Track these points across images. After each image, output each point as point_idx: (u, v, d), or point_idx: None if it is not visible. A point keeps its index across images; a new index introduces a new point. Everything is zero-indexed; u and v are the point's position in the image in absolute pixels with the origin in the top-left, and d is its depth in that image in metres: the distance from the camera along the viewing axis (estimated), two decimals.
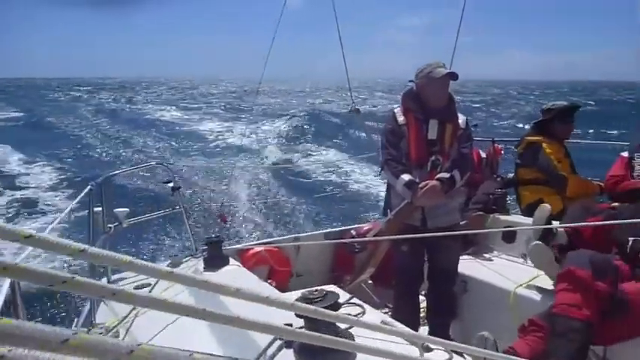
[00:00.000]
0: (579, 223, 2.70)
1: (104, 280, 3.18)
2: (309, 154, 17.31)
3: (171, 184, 3.75)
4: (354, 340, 1.73)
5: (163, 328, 2.14)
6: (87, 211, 3.04)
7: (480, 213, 3.94)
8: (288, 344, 1.81)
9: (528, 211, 3.78)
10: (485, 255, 3.73)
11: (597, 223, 2.65)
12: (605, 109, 27.86)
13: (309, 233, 4.67)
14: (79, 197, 3.09)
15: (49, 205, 10.86)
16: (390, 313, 3.28)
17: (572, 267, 2.30)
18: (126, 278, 3.17)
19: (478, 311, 3.30)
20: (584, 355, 2.21)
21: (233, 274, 3.10)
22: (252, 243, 4.12)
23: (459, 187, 3.18)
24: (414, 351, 1.83)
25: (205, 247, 3.34)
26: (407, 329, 1.96)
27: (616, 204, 3.22)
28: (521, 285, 3.00)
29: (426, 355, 1.85)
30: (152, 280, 2.77)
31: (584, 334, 2.17)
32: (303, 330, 1.44)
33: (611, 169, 3.68)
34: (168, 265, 3.40)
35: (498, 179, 4.41)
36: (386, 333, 1.29)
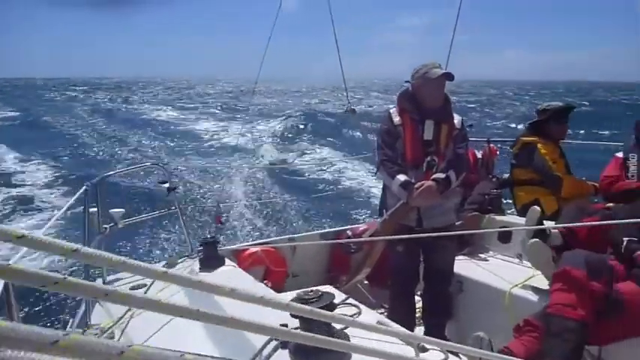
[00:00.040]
0: (573, 224, 2.71)
1: (99, 281, 3.17)
2: (305, 154, 17.31)
3: (166, 185, 3.74)
4: (349, 340, 1.73)
5: (159, 329, 2.13)
6: (82, 211, 3.03)
7: (476, 213, 3.95)
8: (283, 345, 1.81)
9: (524, 212, 3.78)
10: (480, 255, 3.74)
11: (591, 223, 2.66)
12: (600, 110, 27.99)
13: (305, 234, 4.67)
14: (74, 197, 3.08)
15: (44, 202, 10.92)
16: (385, 314, 3.28)
17: (567, 267, 2.31)
18: (122, 279, 3.15)
19: (474, 311, 3.30)
20: (579, 355, 2.22)
21: (229, 274, 3.10)
22: (248, 243, 4.11)
23: (455, 188, 3.19)
24: (410, 351, 1.83)
25: (201, 248, 3.34)
26: (402, 329, 1.96)
27: (611, 204, 3.24)
28: (516, 285, 3.00)
29: (422, 355, 1.85)
30: (148, 281, 2.76)
31: (579, 334, 2.18)
32: (298, 331, 1.44)
33: (605, 169, 3.70)
34: (164, 266, 3.39)
35: (494, 180, 4.42)
36: (381, 333, 1.30)
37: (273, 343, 1.81)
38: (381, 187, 3.47)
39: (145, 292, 2.69)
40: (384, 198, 3.34)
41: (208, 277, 3.01)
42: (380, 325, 2.00)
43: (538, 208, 3.00)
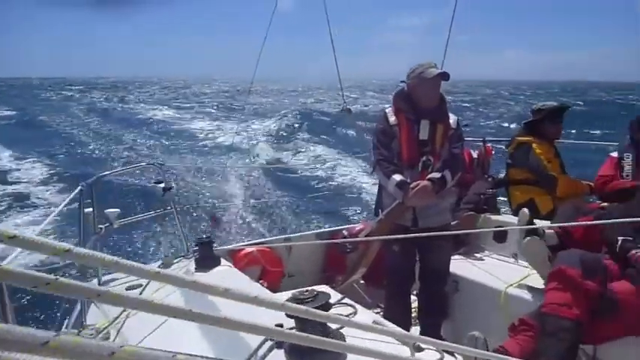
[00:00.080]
0: (567, 223, 2.72)
1: (95, 281, 3.16)
2: (301, 152, 17.31)
3: (162, 185, 3.73)
4: (344, 340, 1.73)
5: (155, 329, 2.12)
6: (78, 211, 3.02)
7: (471, 213, 3.95)
8: (279, 345, 1.81)
9: (519, 211, 3.80)
10: (476, 255, 3.75)
11: (585, 223, 2.67)
12: (593, 110, 28.12)
13: (301, 233, 4.67)
14: (70, 197, 3.06)
15: (40, 198, 11.03)
16: (381, 313, 3.28)
17: (562, 266, 2.32)
18: (118, 279, 3.15)
19: (469, 311, 3.31)
20: (574, 354, 2.22)
21: (224, 274, 3.10)
22: (243, 243, 4.11)
23: (450, 188, 3.19)
24: (405, 351, 1.84)
25: (197, 248, 3.33)
26: (398, 329, 1.96)
27: (605, 204, 3.25)
28: (512, 285, 3.01)
29: (417, 354, 1.85)
30: (144, 281, 2.75)
31: (574, 333, 2.18)
32: (292, 331, 1.44)
33: (600, 169, 3.72)
34: (159, 266, 3.38)
35: (489, 179, 4.43)
36: (377, 333, 1.30)
37: (269, 343, 1.80)
38: (377, 186, 3.47)
39: (141, 292, 2.69)
40: (379, 198, 3.34)
41: (204, 277, 3.01)
42: (375, 324, 2.00)
43: (527, 210, 3.02)
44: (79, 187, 3.07)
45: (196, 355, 0.54)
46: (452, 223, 3.43)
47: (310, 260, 4.12)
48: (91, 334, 2.47)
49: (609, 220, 2.50)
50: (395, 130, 3.12)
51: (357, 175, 12.71)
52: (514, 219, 3.80)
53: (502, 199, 4.52)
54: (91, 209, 3.13)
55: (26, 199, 10.95)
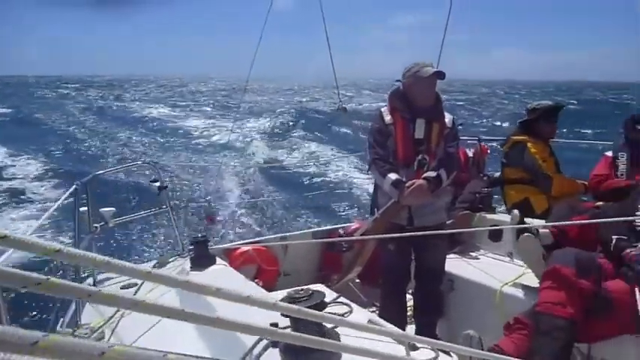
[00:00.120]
0: (561, 222, 2.73)
1: (90, 280, 3.15)
2: (296, 150, 17.32)
3: (157, 184, 3.73)
4: (339, 339, 1.73)
5: (149, 329, 2.12)
6: (73, 210, 3.01)
7: (467, 212, 3.96)
8: (274, 344, 1.81)
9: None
10: (471, 254, 3.75)
11: (579, 222, 2.68)
12: (586, 109, 28.28)
13: (297, 232, 4.67)
14: (64, 196, 3.06)
15: (35, 193, 11.14)
16: (377, 312, 3.29)
17: (557, 265, 2.33)
18: (113, 278, 3.14)
19: (465, 310, 3.32)
20: (569, 352, 2.23)
21: (219, 273, 3.09)
22: (239, 242, 4.11)
23: (446, 187, 3.19)
24: (401, 350, 1.84)
25: (192, 247, 3.33)
26: (393, 328, 1.96)
27: (600, 203, 3.26)
28: (507, 283, 3.02)
29: (412, 353, 1.86)
30: (139, 280, 2.74)
31: (568, 332, 2.19)
32: (287, 331, 1.44)
33: (595, 168, 3.73)
34: (155, 265, 3.39)
35: (485, 178, 4.43)
36: (371, 332, 1.30)
37: (264, 342, 1.80)
38: (372, 184, 3.48)
39: (136, 292, 2.68)
40: (375, 196, 3.34)
41: (199, 277, 3.01)
42: (371, 323, 2.01)
43: (518, 212, 3.03)
44: (74, 186, 3.06)
45: (188, 355, 0.54)
46: (447, 222, 3.43)
47: (306, 259, 4.12)
48: (86, 334, 2.47)
49: (604, 219, 2.51)
50: (390, 128, 3.12)
51: (352, 173, 12.73)
52: (509, 218, 3.82)
53: (497, 197, 4.53)
54: (86, 208, 3.12)
55: (21, 194, 11.04)
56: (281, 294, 1.99)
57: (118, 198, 8.90)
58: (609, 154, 3.68)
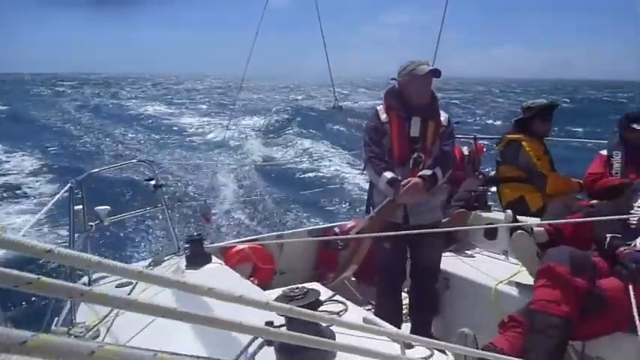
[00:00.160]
0: (555, 221, 2.74)
1: (85, 279, 3.14)
2: (292, 148, 17.32)
3: (153, 182, 3.72)
4: (334, 337, 1.74)
5: (145, 327, 2.11)
6: (68, 208, 3.00)
7: (462, 210, 3.97)
8: (269, 342, 1.81)
9: (509, 209, 3.82)
10: (467, 252, 3.76)
11: (573, 220, 2.69)
12: (580, 107, 28.45)
13: (293, 231, 4.68)
14: (59, 195, 3.04)
15: (31, 188, 11.29)
16: (372, 310, 3.29)
17: (551, 263, 2.33)
18: (109, 276, 3.13)
19: (460, 308, 3.33)
20: (563, 350, 2.24)
21: (215, 272, 3.09)
22: (235, 241, 4.11)
23: (442, 185, 3.20)
24: (396, 348, 1.84)
25: (187, 245, 3.33)
26: (389, 327, 1.96)
27: (594, 201, 3.27)
28: (502, 281, 3.03)
29: (408, 351, 1.86)
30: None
31: (563, 329, 2.20)
32: (282, 330, 1.44)
33: (590, 166, 3.74)
34: (150, 263, 3.38)
35: (480, 177, 4.44)
36: (366, 332, 1.30)
37: (259, 341, 1.80)
38: (368, 183, 3.48)
39: (131, 290, 2.68)
40: (370, 195, 3.34)
41: (194, 275, 3.01)
42: (366, 322, 2.01)
43: (511, 212, 3.04)
44: (69, 184, 3.05)
45: (179, 354, 0.54)
46: (443, 221, 3.43)
47: (302, 257, 4.12)
48: (81, 332, 2.46)
49: (598, 218, 2.52)
50: (386, 127, 3.12)
51: (346, 169, 12.77)
52: (504, 217, 3.83)
53: (492, 194, 4.55)
54: (81, 206, 3.11)
55: (17, 189, 11.16)
56: (276, 292, 1.99)
57: (114, 196, 8.89)
58: (604, 152, 3.69)
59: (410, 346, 1.89)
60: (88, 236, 3.19)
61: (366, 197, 3.80)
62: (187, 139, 19.95)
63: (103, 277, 3.16)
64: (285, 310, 0.84)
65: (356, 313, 2.35)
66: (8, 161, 14.08)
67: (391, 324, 2.18)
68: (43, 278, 0.48)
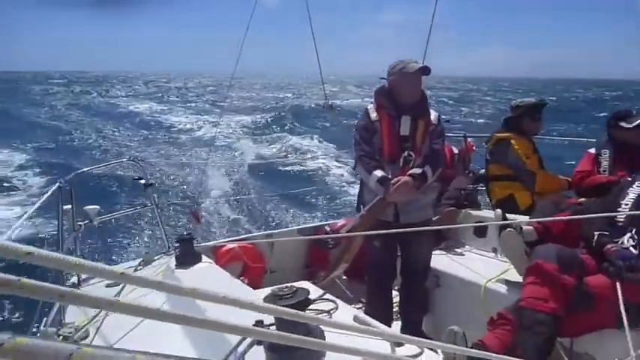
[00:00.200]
0: (544, 219, 2.75)
1: (74, 279, 3.12)
2: (282, 146, 17.32)
3: (143, 181, 3.70)
4: (324, 336, 1.74)
5: (134, 327, 2.10)
6: (56, 208, 2.98)
7: (452, 208, 3.98)
8: (259, 341, 1.80)
9: (499, 207, 3.84)
10: (457, 250, 3.78)
11: (561, 218, 2.71)
12: (562, 105, 28.79)
13: (283, 229, 4.67)
14: (47, 195, 3.02)
15: (20, 181, 11.51)
16: (363, 309, 3.30)
17: (539, 261, 2.35)
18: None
19: (450, 305, 3.34)
20: (551, 346, 2.26)
21: (205, 271, 3.08)
22: (225, 240, 4.10)
23: (432, 183, 3.21)
24: (385, 346, 1.84)
25: (177, 245, 3.31)
26: (379, 326, 1.97)
27: (583, 199, 3.30)
28: (491, 279, 3.04)
29: (397, 349, 1.86)
30: None
31: (551, 326, 2.22)
32: (271, 330, 1.44)
33: (578, 164, 3.77)
34: (140, 263, 3.36)
35: (470, 175, 4.46)
36: (356, 332, 1.30)
37: (249, 340, 1.80)
38: (359, 181, 3.48)
39: (121, 290, 2.66)
40: (361, 193, 3.35)
41: (184, 275, 3.00)
42: (356, 320, 2.01)
43: (500, 211, 3.06)
44: (57, 184, 3.03)
45: (158, 354, 0.54)
46: (433, 219, 3.45)
47: (293, 256, 4.12)
48: (70, 332, 2.44)
49: (585, 215, 2.54)
50: (376, 125, 3.13)
51: (338, 169, 12.79)
52: (494, 215, 3.85)
53: (482, 192, 4.57)
54: (69, 206, 3.09)
55: (5, 182, 11.33)
56: (266, 291, 1.98)
57: (103, 195, 8.84)
58: (592, 150, 3.72)
59: (400, 344, 1.89)
60: (77, 236, 3.17)
61: (356, 195, 3.80)
62: (177, 137, 19.92)
63: (94, 277, 3.14)
64: (270, 310, 0.84)
65: (346, 311, 2.36)
66: None
67: (382, 322, 2.19)
68: (24, 280, 0.48)
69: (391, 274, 3.30)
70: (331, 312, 2.34)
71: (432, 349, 1.95)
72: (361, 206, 3.29)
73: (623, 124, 3.52)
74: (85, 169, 3.78)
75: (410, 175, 3.02)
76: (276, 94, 43.27)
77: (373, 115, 3.15)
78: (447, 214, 3.91)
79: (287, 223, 8.64)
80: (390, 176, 3.03)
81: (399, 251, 3.28)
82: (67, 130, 20.51)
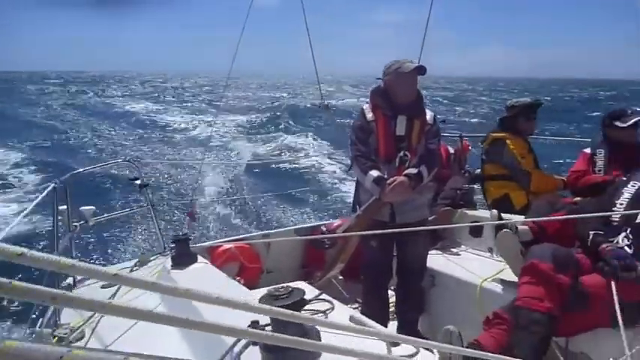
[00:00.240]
0: (539, 218, 2.76)
1: (70, 280, 3.11)
2: (278, 146, 17.32)
3: (138, 181, 3.69)
4: (320, 336, 1.74)
5: (130, 328, 2.10)
6: (52, 209, 2.97)
7: (448, 208, 3.99)
8: (254, 341, 1.80)
9: (494, 206, 3.85)
10: (453, 249, 3.78)
11: (556, 217, 2.71)
12: (557, 105, 28.93)
13: (280, 229, 4.67)
14: (42, 195, 3.01)
15: (16, 178, 11.59)
16: (359, 308, 3.30)
17: (534, 260, 2.36)
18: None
19: (446, 305, 3.34)
20: (547, 346, 2.26)
21: (201, 272, 3.07)
22: (221, 240, 4.09)
23: (428, 183, 3.21)
24: (381, 345, 1.84)
25: (173, 245, 3.30)
26: (375, 326, 1.97)
27: (578, 199, 3.31)
28: (487, 279, 3.05)
29: (393, 349, 1.86)
30: None
31: (546, 325, 2.22)
32: (266, 331, 1.44)
33: (574, 164, 3.78)
34: (135, 264, 3.36)
35: (466, 175, 4.46)
36: (352, 332, 1.29)
37: (244, 340, 1.80)
38: (355, 181, 3.48)
39: (116, 291, 2.66)
40: (357, 193, 3.35)
41: (180, 275, 2.99)
42: (352, 320, 2.01)
43: (496, 212, 3.06)
44: (52, 185, 3.01)
45: (151, 356, 0.53)
46: (429, 219, 3.45)
47: (289, 256, 4.12)
48: (65, 333, 2.44)
49: (580, 215, 2.54)
50: (372, 125, 3.13)
51: (330, 166, 12.82)
52: (490, 214, 3.85)
53: (478, 192, 4.58)
54: (65, 207, 3.08)
55: (2, 179, 11.40)
56: (263, 292, 1.98)
57: (98, 194, 8.82)
58: (587, 150, 3.73)
59: (396, 344, 1.89)
60: (73, 237, 3.16)
61: (347, 193, 3.81)
62: (173, 137, 19.91)
63: (89, 278, 3.13)
64: (265, 311, 0.83)
65: (342, 311, 2.35)
66: None
67: (378, 322, 2.18)
68: (15, 282, 0.47)
69: (387, 274, 3.30)
70: (327, 312, 2.34)
71: (428, 349, 1.95)
72: (357, 206, 3.29)
73: (617, 123, 3.53)
74: (81, 170, 3.77)
75: (406, 175, 3.02)
76: (272, 93, 43.30)
77: (369, 115, 3.15)
78: (442, 213, 3.91)
79: (278, 219, 8.66)
80: (385, 176, 3.03)
81: (395, 251, 3.28)
82: (62, 130, 20.53)
